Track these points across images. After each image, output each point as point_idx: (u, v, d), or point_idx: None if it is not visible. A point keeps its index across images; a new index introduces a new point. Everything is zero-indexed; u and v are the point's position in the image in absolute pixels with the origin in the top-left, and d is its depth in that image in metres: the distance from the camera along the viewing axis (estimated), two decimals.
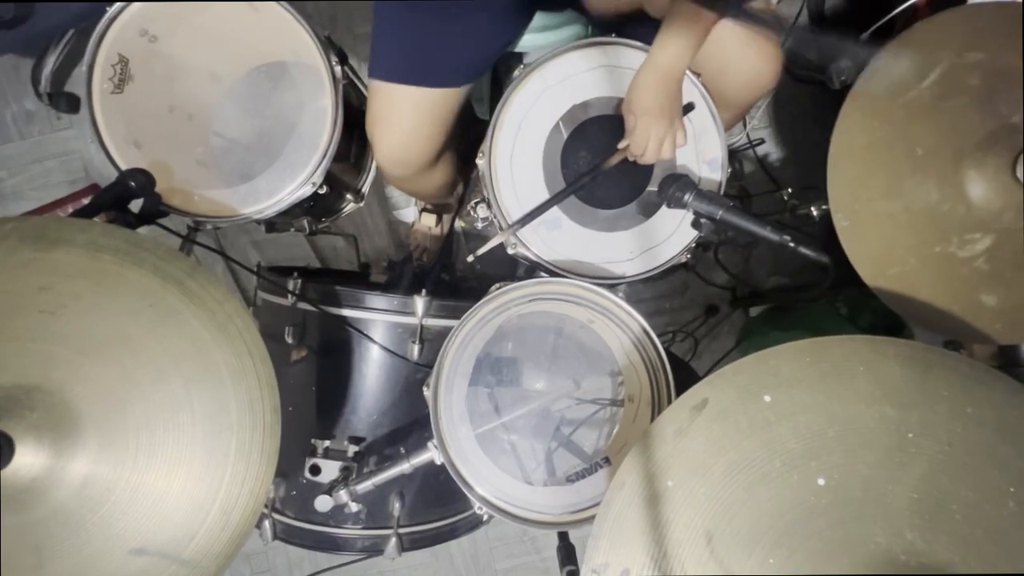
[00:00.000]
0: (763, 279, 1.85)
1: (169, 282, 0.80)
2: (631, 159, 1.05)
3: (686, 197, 1.01)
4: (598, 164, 1.06)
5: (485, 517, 1.07)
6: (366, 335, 1.11)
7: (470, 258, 1.15)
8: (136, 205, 1.03)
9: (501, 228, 1.07)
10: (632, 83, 1.01)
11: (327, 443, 1.10)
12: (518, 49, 1.23)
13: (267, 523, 1.13)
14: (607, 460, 1.02)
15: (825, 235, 1.03)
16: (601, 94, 1.08)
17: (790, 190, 1.32)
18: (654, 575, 0.70)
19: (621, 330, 1.03)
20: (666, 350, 0.99)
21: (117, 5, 1.08)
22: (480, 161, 1.07)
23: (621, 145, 1.05)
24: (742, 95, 1.12)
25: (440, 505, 1.19)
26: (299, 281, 1.15)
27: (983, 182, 0.98)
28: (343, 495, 1.00)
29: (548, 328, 1.07)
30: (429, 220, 1.76)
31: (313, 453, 1.07)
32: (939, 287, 1.00)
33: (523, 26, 1.16)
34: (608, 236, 1.09)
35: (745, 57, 1.08)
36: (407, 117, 1.12)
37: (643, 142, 1.00)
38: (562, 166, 1.08)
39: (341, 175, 1.43)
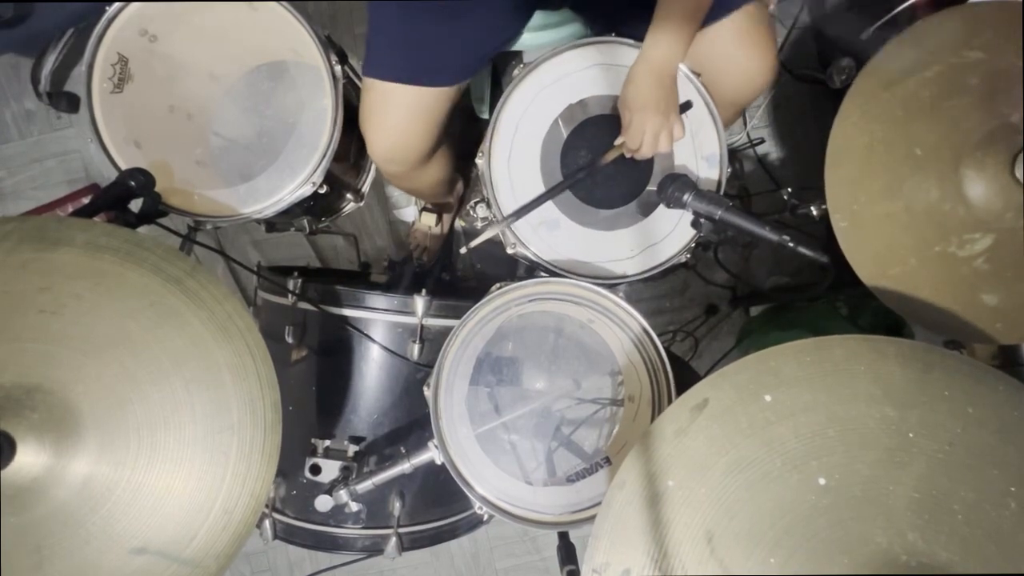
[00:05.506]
0: (763, 279, 1.85)
1: (169, 282, 0.80)
2: (627, 155, 1.05)
3: (685, 197, 1.01)
4: (594, 160, 1.06)
5: (485, 517, 1.07)
6: (366, 335, 1.11)
7: (463, 250, 1.15)
8: (136, 205, 1.03)
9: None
10: (627, 79, 1.01)
11: (327, 443, 1.10)
12: (517, 48, 1.22)
13: (267, 523, 1.13)
14: (607, 460, 1.02)
15: (825, 234, 1.03)
16: (601, 92, 1.08)
17: (790, 189, 1.32)
18: (655, 575, 0.70)
19: (621, 330, 1.03)
20: (666, 350, 0.99)
21: (117, 5, 1.08)
22: (480, 161, 1.07)
23: (617, 141, 1.05)
24: (738, 95, 1.13)
25: (440, 505, 1.19)
26: (299, 281, 1.15)
27: (982, 182, 0.98)
28: (343, 495, 1.00)
29: (548, 328, 1.07)
30: (429, 220, 1.76)
31: (313, 453, 1.07)
32: (939, 287, 1.00)
33: (520, 26, 1.16)
34: (607, 235, 1.09)
35: (741, 57, 1.08)
36: (399, 115, 1.12)
37: (639, 137, 1.00)
38: (562, 165, 1.08)
39: (341, 175, 1.43)
